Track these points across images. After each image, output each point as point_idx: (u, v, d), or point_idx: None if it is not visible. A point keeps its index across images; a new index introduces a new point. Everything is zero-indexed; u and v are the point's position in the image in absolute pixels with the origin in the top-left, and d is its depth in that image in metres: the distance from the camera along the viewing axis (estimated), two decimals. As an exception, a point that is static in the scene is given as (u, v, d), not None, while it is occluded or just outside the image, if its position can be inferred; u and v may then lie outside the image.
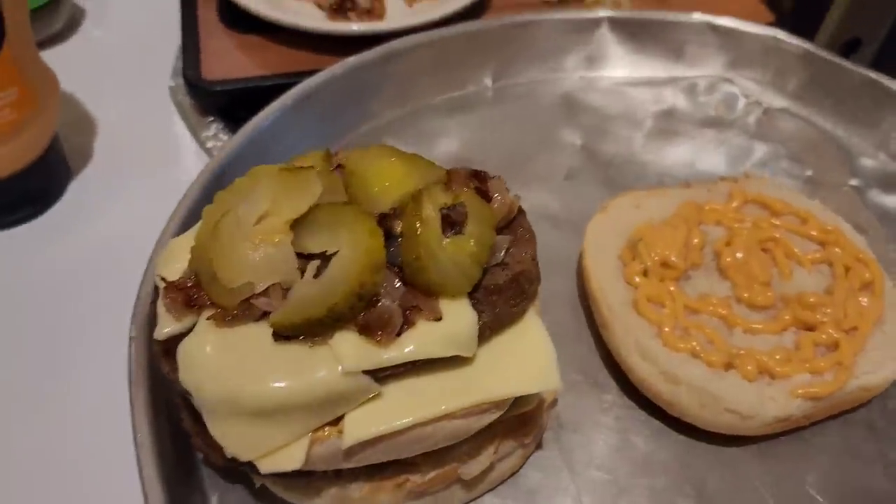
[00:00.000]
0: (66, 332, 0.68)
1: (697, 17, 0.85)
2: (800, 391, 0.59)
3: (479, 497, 0.59)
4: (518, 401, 0.53)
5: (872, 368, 0.61)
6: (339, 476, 0.54)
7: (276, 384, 0.46)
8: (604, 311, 0.64)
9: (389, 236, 0.49)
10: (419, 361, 0.48)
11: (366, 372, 0.47)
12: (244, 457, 0.48)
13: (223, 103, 0.84)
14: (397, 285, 0.48)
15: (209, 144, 0.82)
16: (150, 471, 0.53)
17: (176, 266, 0.52)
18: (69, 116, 0.82)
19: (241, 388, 0.46)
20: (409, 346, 0.47)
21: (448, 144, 0.81)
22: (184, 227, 0.65)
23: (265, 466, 0.49)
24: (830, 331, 0.62)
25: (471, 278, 0.49)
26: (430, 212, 0.49)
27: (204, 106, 0.85)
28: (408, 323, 0.47)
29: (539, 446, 0.61)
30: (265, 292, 0.47)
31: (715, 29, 0.85)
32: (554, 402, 0.61)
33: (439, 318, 0.48)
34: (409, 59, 0.82)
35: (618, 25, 0.85)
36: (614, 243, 0.68)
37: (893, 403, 0.64)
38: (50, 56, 0.76)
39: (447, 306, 0.49)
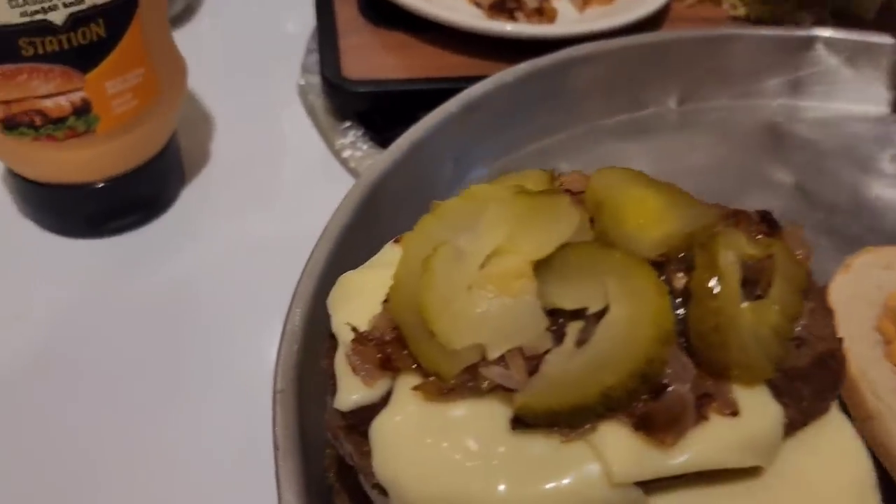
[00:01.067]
0: (176, 370, 0.56)
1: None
2: None
3: None
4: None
5: None
6: None
7: (517, 492, 0.33)
8: (869, 400, 0.50)
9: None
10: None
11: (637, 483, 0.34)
12: (452, 586, 0.35)
13: (364, 107, 0.72)
14: (687, 365, 0.34)
15: (346, 154, 0.70)
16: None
17: (352, 310, 0.40)
18: (184, 113, 0.71)
19: (468, 494, 0.33)
20: (694, 450, 0.34)
21: (630, 175, 0.68)
22: (334, 258, 0.52)
23: None
24: None
25: (774, 359, 0.36)
26: (731, 265, 0.36)
27: (341, 109, 0.73)
28: (702, 419, 0.34)
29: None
30: (500, 360, 0.34)
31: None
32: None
33: (735, 413, 0.35)
34: (586, 71, 0.69)
35: (834, 47, 0.72)
36: (867, 313, 0.54)
37: None
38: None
39: (741, 396, 0.35)
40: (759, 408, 0.35)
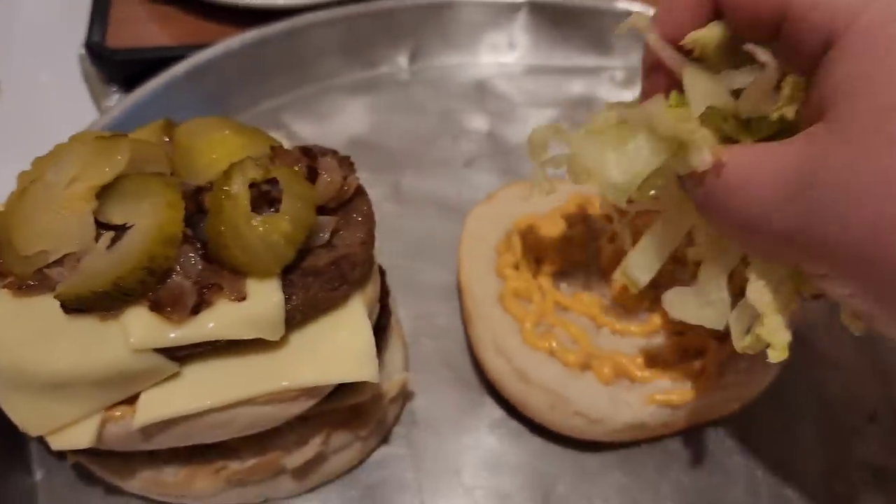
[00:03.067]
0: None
1: (623, 5, 0.81)
2: (657, 397, 0.56)
3: (314, 489, 0.56)
4: (345, 391, 0.51)
5: (741, 378, 0.57)
6: (154, 458, 0.52)
7: (63, 357, 0.44)
8: (468, 304, 0.61)
9: (202, 211, 0.47)
10: (223, 343, 0.46)
11: (160, 351, 0.45)
12: (33, 431, 0.47)
13: (127, 73, 0.82)
14: (195, 262, 0.45)
15: (109, 115, 0.80)
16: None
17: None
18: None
19: (28, 359, 0.44)
20: (205, 326, 0.45)
21: (351, 127, 0.79)
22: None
23: (55, 443, 0.47)
24: (701, 335, 0.58)
25: (281, 259, 0.46)
26: (239, 187, 0.46)
27: (108, 75, 0.83)
28: (205, 302, 0.45)
29: (385, 441, 0.59)
30: (60, 262, 0.45)
31: (640, 19, 0.81)
32: (402, 397, 0.59)
33: (243, 299, 0.46)
34: (315, 35, 0.79)
35: (538, 11, 0.82)
36: (494, 234, 0.65)
37: (768, 417, 0.60)
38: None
39: (254, 287, 0.46)
40: (264, 295, 0.46)
